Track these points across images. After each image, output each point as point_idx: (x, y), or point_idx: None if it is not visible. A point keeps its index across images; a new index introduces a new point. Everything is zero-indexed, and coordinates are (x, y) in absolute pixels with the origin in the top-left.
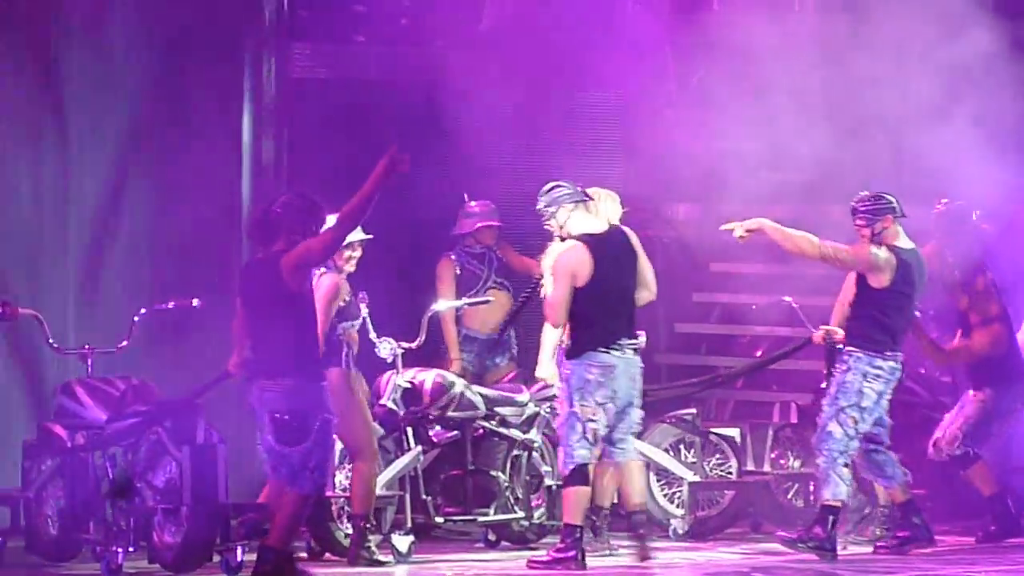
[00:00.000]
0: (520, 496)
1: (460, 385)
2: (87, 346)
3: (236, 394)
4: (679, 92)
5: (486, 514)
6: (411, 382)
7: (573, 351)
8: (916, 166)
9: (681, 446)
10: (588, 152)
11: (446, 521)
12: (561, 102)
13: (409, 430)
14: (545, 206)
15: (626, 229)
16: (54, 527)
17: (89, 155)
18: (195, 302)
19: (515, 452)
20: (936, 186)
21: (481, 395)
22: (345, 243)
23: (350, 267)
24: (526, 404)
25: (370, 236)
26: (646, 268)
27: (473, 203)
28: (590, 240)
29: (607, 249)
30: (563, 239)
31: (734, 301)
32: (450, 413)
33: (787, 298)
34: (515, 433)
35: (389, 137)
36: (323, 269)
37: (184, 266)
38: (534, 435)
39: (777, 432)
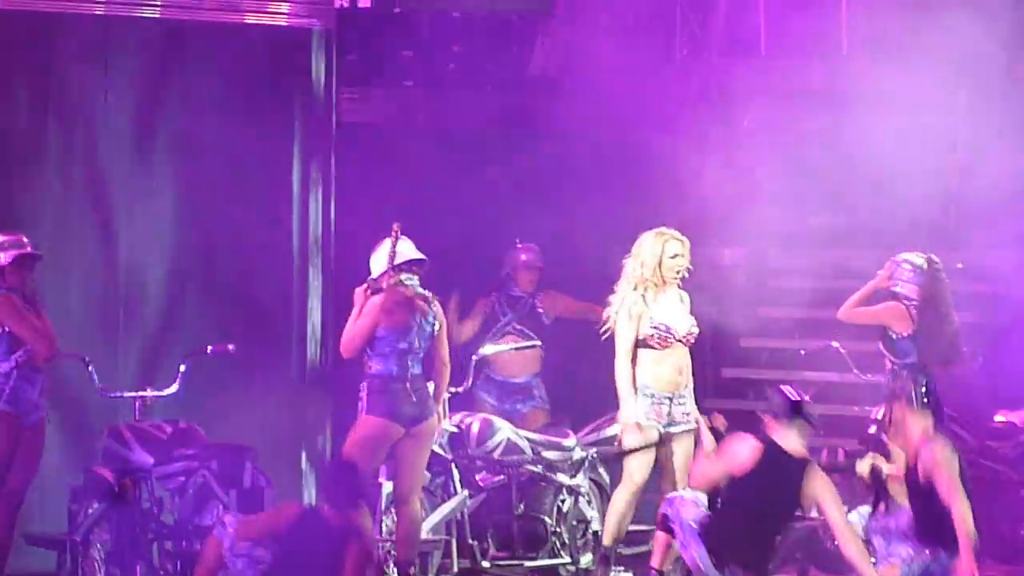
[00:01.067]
0: (567, 541)
1: (507, 430)
2: (148, 388)
3: (283, 439)
4: (727, 136)
5: (533, 559)
6: (458, 426)
7: None
8: (959, 213)
9: None
10: (636, 196)
11: (492, 566)
12: (609, 146)
13: (456, 474)
14: None
15: None
16: (101, 571)
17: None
18: (231, 347)
19: (562, 497)
20: (977, 236)
21: (528, 439)
22: (401, 261)
23: None
24: (573, 449)
25: (423, 257)
26: None
27: (520, 244)
28: None
29: None
30: None
31: (782, 346)
32: (496, 457)
33: (835, 343)
34: (562, 478)
35: (437, 180)
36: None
37: (234, 312)
38: (581, 480)
39: None
